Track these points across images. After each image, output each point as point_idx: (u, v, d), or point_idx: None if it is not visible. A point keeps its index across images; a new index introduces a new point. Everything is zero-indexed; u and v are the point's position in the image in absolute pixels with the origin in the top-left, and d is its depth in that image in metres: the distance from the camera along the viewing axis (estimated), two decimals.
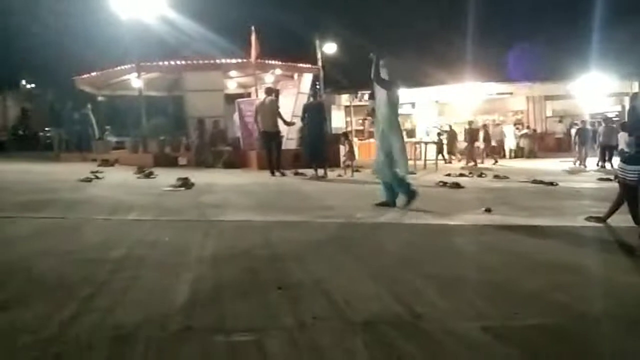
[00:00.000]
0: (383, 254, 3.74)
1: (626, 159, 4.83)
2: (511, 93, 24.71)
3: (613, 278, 3.10)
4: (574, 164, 15.42)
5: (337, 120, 22.96)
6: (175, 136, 16.82)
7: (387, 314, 2.40)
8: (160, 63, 16.84)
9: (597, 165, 15.16)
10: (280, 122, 11.47)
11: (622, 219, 4.72)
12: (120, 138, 20.71)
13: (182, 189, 7.72)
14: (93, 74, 18.03)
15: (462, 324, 2.28)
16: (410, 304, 2.52)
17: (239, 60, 16.64)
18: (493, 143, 22.79)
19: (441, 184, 8.98)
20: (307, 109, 11.44)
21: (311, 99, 11.87)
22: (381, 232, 4.59)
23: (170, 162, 14.15)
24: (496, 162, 18.13)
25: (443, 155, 17.00)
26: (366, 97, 25.48)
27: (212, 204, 6.23)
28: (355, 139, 22.29)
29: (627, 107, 15.05)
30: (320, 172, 10.59)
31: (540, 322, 2.32)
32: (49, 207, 5.61)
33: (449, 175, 11.15)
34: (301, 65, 17.90)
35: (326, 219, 5.14)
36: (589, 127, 16.72)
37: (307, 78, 18.17)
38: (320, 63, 18.26)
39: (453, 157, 18.59)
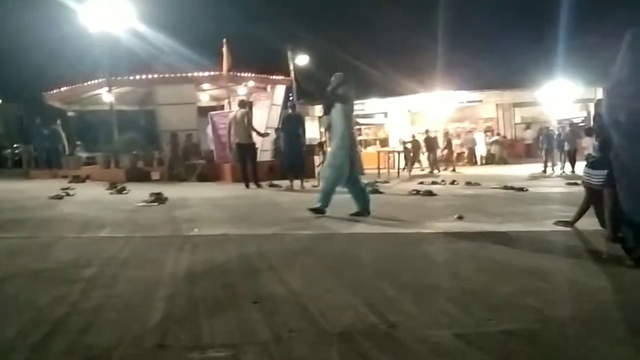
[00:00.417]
0: (357, 264, 3.77)
1: (591, 164, 4.96)
2: (481, 101, 25.20)
3: (581, 282, 3.18)
4: (544, 170, 15.68)
5: (311, 131, 23.06)
6: (148, 150, 16.63)
7: (362, 324, 2.42)
8: (131, 77, 16.70)
9: (561, 170, 15.51)
10: (254, 134, 11.49)
11: (589, 223, 4.84)
12: (91, 154, 20.35)
13: (156, 204, 7.64)
14: (63, 89, 17.77)
15: (435, 332, 2.31)
16: (384, 313, 2.55)
17: (211, 73, 16.61)
18: (463, 150, 23.24)
19: (414, 192, 9.08)
20: (285, 120, 11.54)
21: (289, 111, 11.93)
22: (355, 243, 4.63)
23: (143, 177, 13.98)
24: (454, 170, 18.54)
25: (406, 164, 17.40)
26: None
27: (187, 218, 6.19)
28: (329, 149, 22.37)
29: (592, 113, 15.49)
30: (297, 183, 10.61)
31: (512, 328, 2.38)
32: (19, 226, 5.50)
33: (421, 183, 11.29)
34: (274, 77, 17.96)
35: (301, 230, 5.17)
36: (553, 132, 16.99)
37: (280, 90, 18.24)
38: (292, 75, 18.36)
39: (416, 166, 18.84)
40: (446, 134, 21.52)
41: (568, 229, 5.01)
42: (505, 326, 2.39)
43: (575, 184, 9.98)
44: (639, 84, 3.11)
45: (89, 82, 16.68)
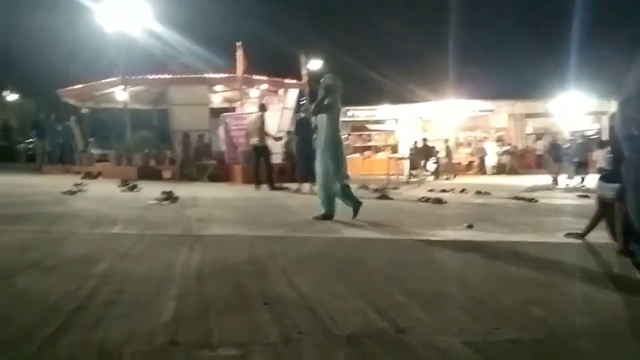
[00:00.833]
0: (367, 269, 3.78)
1: (604, 177, 4.94)
2: (492, 110, 25.14)
3: (590, 294, 3.17)
4: (554, 181, 15.40)
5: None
6: (160, 149, 16.77)
7: (371, 329, 2.44)
8: (146, 76, 16.84)
9: (569, 182, 14.96)
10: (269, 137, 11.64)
11: (600, 236, 4.82)
12: (104, 151, 20.54)
13: (167, 202, 7.70)
14: (78, 86, 17.96)
15: (444, 339, 2.32)
16: (393, 318, 2.56)
17: (225, 75, 16.71)
18: (474, 159, 23.25)
19: (424, 199, 9.08)
20: (299, 124, 11.64)
21: (302, 115, 12.08)
22: (364, 248, 4.64)
23: (154, 176, 14.10)
24: (448, 177, 18.65)
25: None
26: (351, 112, 25.76)
27: (197, 217, 6.24)
28: None
29: (607, 125, 15.35)
30: (305, 186, 10.65)
31: (519, 337, 2.38)
32: (33, 220, 5.57)
33: (431, 190, 11.28)
34: (287, 81, 18.04)
35: (311, 233, 5.18)
36: (561, 143, 16.73)
37: (292, 93, 18.31)
38: (305, 79, 18.49)
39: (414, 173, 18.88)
40: (446, 141, 21.61)
41: (578, 241, 4.99)
42: (512, 335, 2.40)
43: (586, 196, 9.95)
44: None
45: (104, 80, 16.85)
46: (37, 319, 2.48)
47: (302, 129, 11.26)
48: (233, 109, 18.60)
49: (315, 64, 21.15)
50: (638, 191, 3.48)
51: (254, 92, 17.57)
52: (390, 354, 2.15)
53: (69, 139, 18.02)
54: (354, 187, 10.25)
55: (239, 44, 15.16)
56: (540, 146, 23.07)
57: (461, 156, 24.37)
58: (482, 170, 22.73)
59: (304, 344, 2.24)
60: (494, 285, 3.32)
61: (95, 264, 3.60)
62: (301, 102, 18.48)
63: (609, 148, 10.55)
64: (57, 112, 19.30)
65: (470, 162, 23.78)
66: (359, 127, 26.74)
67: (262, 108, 11.97)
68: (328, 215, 6.08)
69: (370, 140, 26.59)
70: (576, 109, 22.50)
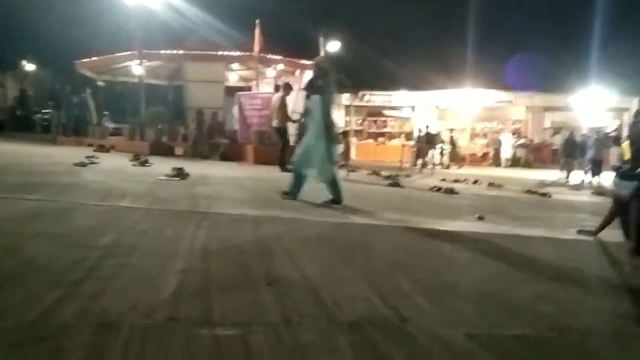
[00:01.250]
0: (374, 255, 3.74)
1: (620, 175, 4.85)
2: (510, 102, 24.79)
3: (599, 292, 3.11)
4: (566, 177, 14.92)
5: (338, 119, 23.03)
6: (173, 125, 16.77)
7: (374, 316, 2.40)
8: (163, 52, 16.80)
9: (583, 178, 14.31)
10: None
11: (613, 234, 4.74)
12: (117, 124, 20.62)
13: (177, 179, 7.70)
14: (94, 58, 17.98)
15: (448, 330, 2.28)
16: (397, 306, 2.53)
17: (242, 54, 16.60)
18: (489, 150, 23.09)
19: (435, 188, 9.00)
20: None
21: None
22: (372, 233, 4.60)
23: (166, 151, 14.12)
24: (449, 167, 18.60)
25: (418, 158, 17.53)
26: (367, 97, 25.59)
27: (206, 195, 6.23)
28: (354, 139, 22.38)
29: (630, 122, 14.98)
30: None
31: (525, 333, 2.33)
32: (42, 190, 5.59)
33: (443, 180, 11.19)
34: (303, 62, 17.90)
35: (320, 217, 5.15)
36: (577, 139, 16.18)
37: (308, 75, 18.16)
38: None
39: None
40: (451, 130, 21.53)
41: (591, 238, 4.91)
42: (518, 331, 2.35)
43: (600, 194, 9.81)
44: None
45: (121, 53, 16.83)
46: (40, 287, 2.48)
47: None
48: (249, 88, 18.52)
49: (333, 46, 20.95)
50: None
51: (270, 72, 17.47)
52: (392, 343, 2.11)
53: (84, 110, 18.08)
54: (364, 173, 10.21)
55: (257, 22, 15.02)
56: (557, 141, 22.76)
57: (476, 147, 24.14)
58: (496, 162, 22.49)
59: (304, 327, 2.21)
60: (502, 279, 3.27)
61: (102, 235, 3.60)
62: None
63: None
64: (72, 84, 19.34)
65: (485, 154, 23.53)
66: (375, 112, 26.53)
67: (287, 88, 11.76)
68: (335, 201, 5.98)
69: (385, 127, 26.39)
70: (597, 104, 22.09)
